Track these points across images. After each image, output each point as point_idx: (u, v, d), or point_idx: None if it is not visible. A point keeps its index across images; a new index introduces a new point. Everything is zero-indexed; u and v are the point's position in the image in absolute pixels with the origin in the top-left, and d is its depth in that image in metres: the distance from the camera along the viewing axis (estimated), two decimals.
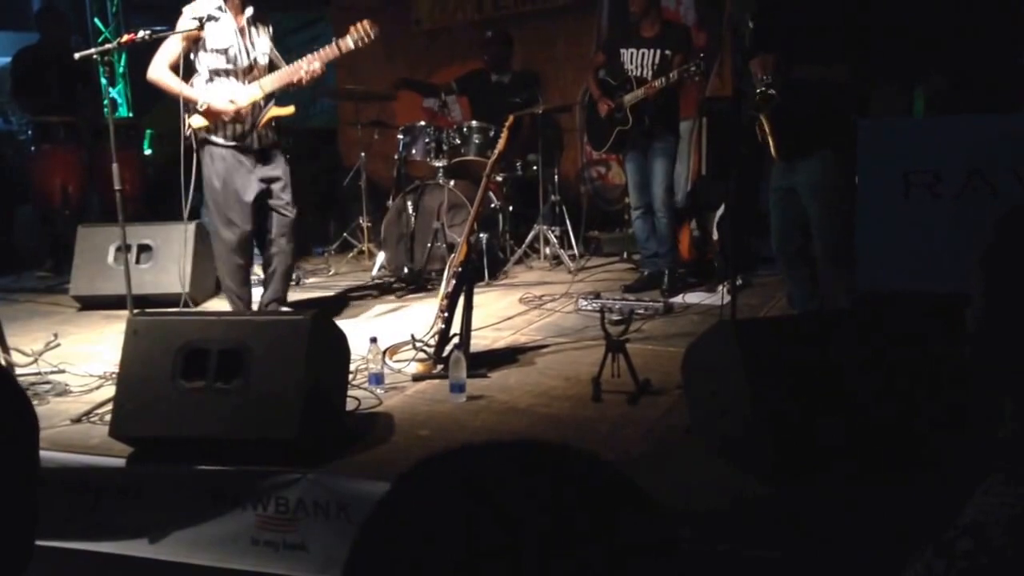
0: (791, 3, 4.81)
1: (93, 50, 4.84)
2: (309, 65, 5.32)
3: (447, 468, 0.81)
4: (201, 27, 5.20)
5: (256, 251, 5.95)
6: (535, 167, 7.86)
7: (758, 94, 4.64)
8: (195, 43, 5.31)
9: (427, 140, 7.52)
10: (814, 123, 4.63)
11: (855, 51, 4.56)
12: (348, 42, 5.39)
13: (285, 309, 5.68)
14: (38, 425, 1.21)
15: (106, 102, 8.27)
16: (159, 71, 5.31)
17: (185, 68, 5.34)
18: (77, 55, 4.85)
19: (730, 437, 3.54)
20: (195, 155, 5.41)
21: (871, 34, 4.56)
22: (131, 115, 10.97)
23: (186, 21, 5.26)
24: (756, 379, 3.42)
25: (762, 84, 4.60)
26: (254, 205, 5.54)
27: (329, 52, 5.38)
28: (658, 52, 6.38)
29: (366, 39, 5.38)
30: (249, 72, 5.40)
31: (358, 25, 5.39)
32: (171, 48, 5.31)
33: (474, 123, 7.66)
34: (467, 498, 0.76)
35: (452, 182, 7.30)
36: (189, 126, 5.36)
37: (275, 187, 5.56)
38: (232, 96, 5.34)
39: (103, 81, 9.24)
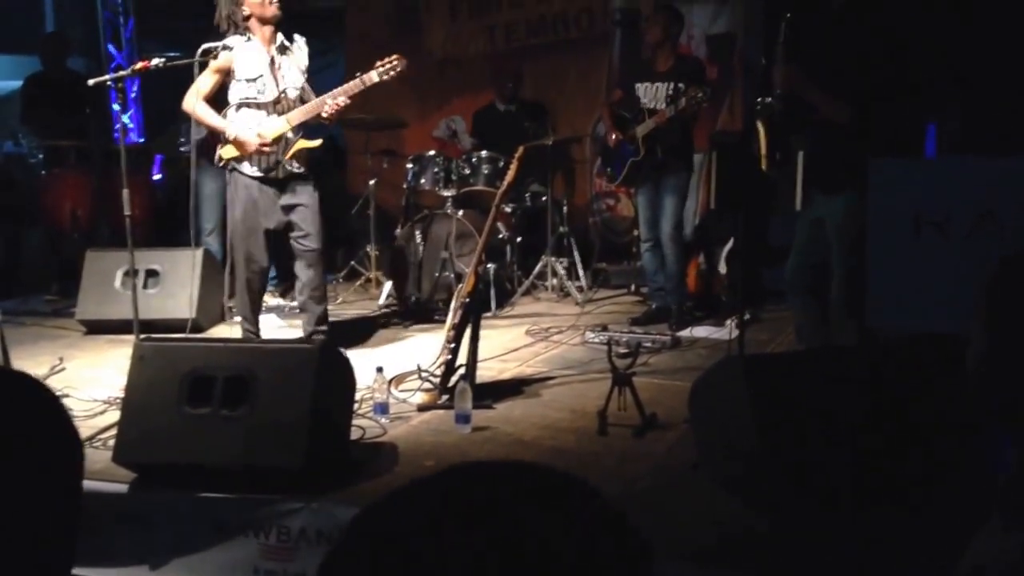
0: (816, 28, 4.82)
1: (108, 76, 4.89)
2: (333, 99, 5.30)
3: (434, 488, 0.81)
4: (216, 55, 5.18)
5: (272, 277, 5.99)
6: (544, 198, 7.86)
7: (759, 102, 4.65)
8: (227, 74, 5.35)
9: (436, 169, 7.52)
10: (842, 163, 4.63)
11: (868, 88, 4.55)
12: (373, 75, 5.34)
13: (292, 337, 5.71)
14: (83, 453, 1.23)
15: (117, 127, 8.29)
16: (191, 103, 5.34)
17: (221, 99, 5.40)
18: (91, 81, 4.88)
19: (737, 473, 3.52)
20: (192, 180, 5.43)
21: (885, 72, 4.55)
22: (142, 140, 11.01)
23: (223, 54, 5.28)
24: (763, 415, 3.40)
25: (770, 94, 4.61)
26: (271, 235, 5.55)
27: (353, 85, 5.35)
28: (672, 85, 6.40)
29: (392, 72, 5.34)
30: (276, 104, 5.39)
31: (385, 58, 5.37)
32: (203, 81, 5.33)
33: (483, 153, 7.66)
34: (449, 520, 0.78)
35: (460, 212, 7.30)
36: (219, 157, 5.41)
37: (296, 216, 5.52)
38: (259, 128, 5.34)
39: (115, 107, 9.29)
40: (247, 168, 5.42)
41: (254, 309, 5.71)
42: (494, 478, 0.83)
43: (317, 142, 5.52)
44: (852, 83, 4.51)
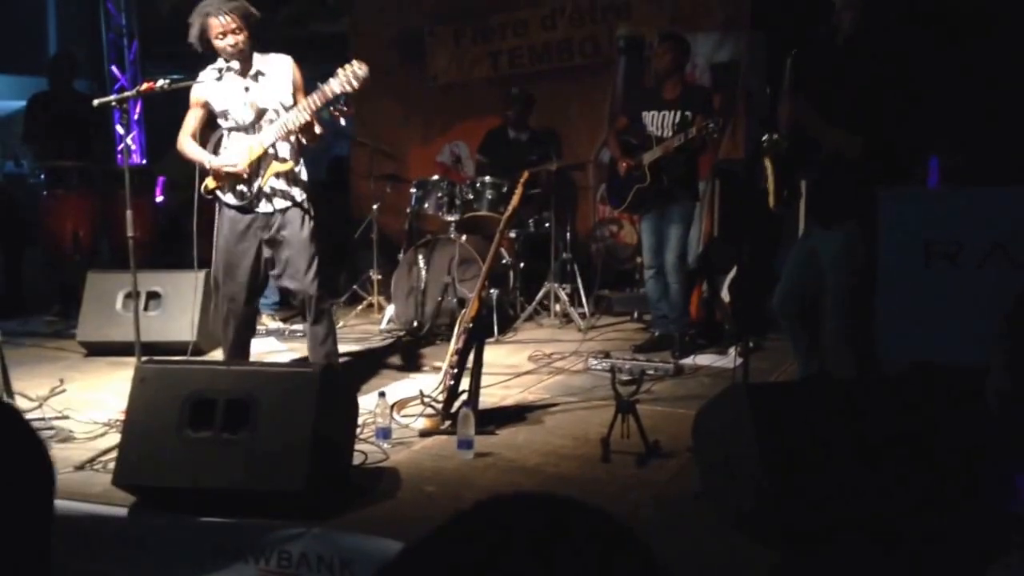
0: (822, 63, 4.80)
1: (112, 97, 4.87)
2: (297, 116, 4.89)
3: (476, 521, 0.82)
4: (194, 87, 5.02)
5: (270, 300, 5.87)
6: (547, 224, 7.86)
7: (765, 139, 4.63)
8: (207, 107, 5.10)
9: (440, 195, 7.53)
10: (844, 194, 4.58)
11: (871, 120, 4.52)
12: (333, 85, 4.80)
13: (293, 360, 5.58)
14: (54, 473, 1.22)
15: (120, 148, 8.29)
16: (181, 141, 5.12)
17: (214, 129, 5.16)
18: (96, 102, 4.88)
19: (740, 503, 3.49)
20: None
21: (889, 106, 4.53)
22: (144, 162, 11.02)
23: (196, 88, 5.06)
24: (767, 445, 3.38)
25: (776, 131, 4.59)
26: (254, 271, 5.17)
27: (315, 99, 4.86)
28: (678, 113, 6.41)
29: (354, 82, 4.76)
30: (255, 126, 5.04)
31: (346, 66, 4.79)
32: (189, 118, 5.15)
33: (487, 179, 7.66)
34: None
35: (463, 237, 7.30)
36: (205, 187, 5.09)
37: (279, 252, 5.14)
38: (237, 154, 5.02)
39: (119, 128, 9.28)
40: (229, 198, 5.10)
41: (235, 350, 5.28)
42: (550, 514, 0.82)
43: (288, 165, 5.05)
44: (862, 117, 4.47)
